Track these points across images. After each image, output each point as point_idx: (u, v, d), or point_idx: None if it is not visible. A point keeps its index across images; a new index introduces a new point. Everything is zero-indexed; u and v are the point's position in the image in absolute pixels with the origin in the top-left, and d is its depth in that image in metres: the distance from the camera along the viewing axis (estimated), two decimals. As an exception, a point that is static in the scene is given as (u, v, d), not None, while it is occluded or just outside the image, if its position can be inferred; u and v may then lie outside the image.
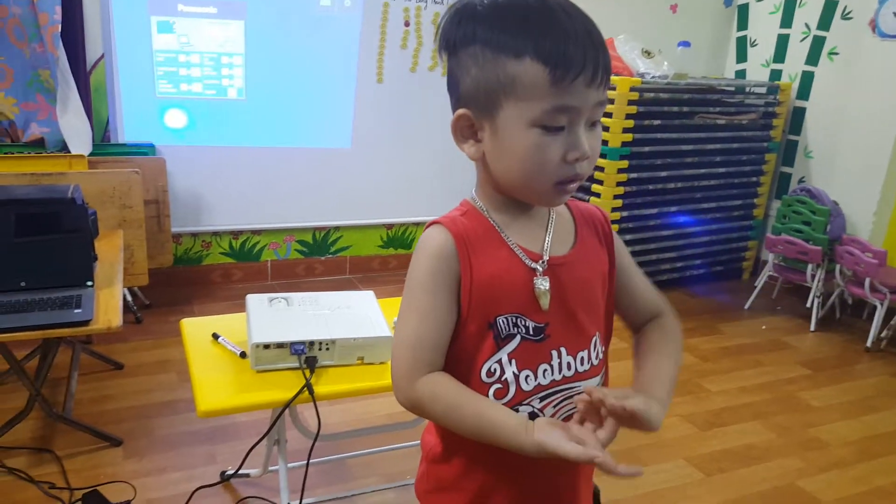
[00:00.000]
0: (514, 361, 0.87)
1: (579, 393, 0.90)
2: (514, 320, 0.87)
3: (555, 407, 0.90)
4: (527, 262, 0.88)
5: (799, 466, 2.34)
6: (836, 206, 3.68)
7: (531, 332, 0.88)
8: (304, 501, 1.81)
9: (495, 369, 0.87)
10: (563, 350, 0.89)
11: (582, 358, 0.91)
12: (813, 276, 3.51)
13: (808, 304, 3.59)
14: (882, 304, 3.28)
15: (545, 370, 0.89)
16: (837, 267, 3.46)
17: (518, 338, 0.87)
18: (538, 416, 0.89)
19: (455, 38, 0.84)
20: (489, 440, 0.83)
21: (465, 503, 0.94)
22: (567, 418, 0.89)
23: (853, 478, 2.30)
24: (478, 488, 0.93)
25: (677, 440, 2.45)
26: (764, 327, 3.56)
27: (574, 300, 0.90)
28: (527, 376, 0.88)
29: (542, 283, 0.88)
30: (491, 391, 0.88)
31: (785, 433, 2.55)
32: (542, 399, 0.89)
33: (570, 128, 0.81)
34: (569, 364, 0.90)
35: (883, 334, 3.33)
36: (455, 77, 0.86)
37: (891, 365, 3.20)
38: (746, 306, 3.78)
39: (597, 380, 0.94)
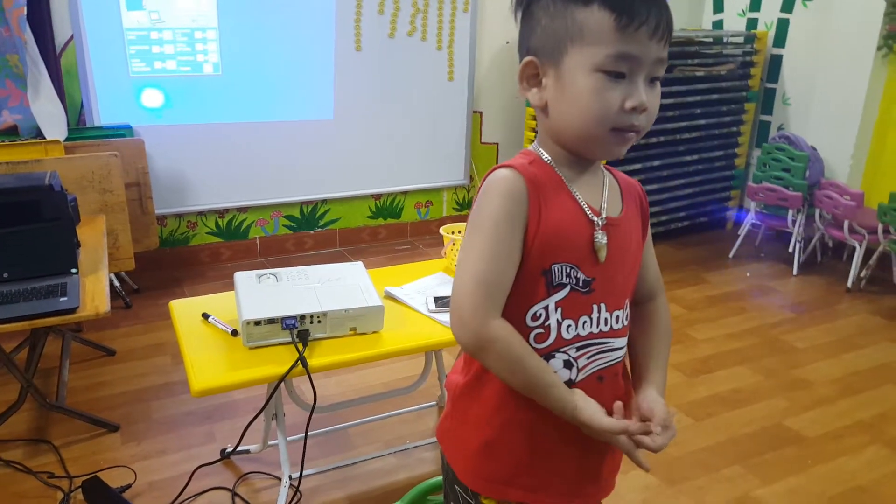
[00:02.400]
0: (559, 310, 0.92)
1: (613, 348, 0.97)
2: (567, 270, 0.91)
3: (589, 358, 0.94)
4: (590, 215, 0.92)
5: (785, 406, 2.41)
6: (814, 151, 3.71)
7: (580, 284, 0.92)
8: (304, 472, 1.84)
9: (541, 314, 0.91)
10: (603, 306, 0.94)
11: (617, 316, 0.96)
12: (794, 222, 3.56)
13: (791, 250, 3.65)
14: (861, 245, 3.34)
15: (585, 322, 0.93)
16: (817, 211, 3.51)
17: (568, 287, 0.91)
18: (573, 364, 0.93)
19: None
20: (539, 395, 0.90)
21: (490, 437, 0.97)
22: (597, 371, 0.95)
23: (836, 413, 2.37)
24: (503, 423, 0.96)
25: (666, 389, 2.50)
26: (748, 274, 3.62)
27: (619, 261, 0.95)
28: (568, 325, 0.92)
29: (602, 238, 0.92)
30: (532, 335, 0.92)
31: (771, 375, 2.62)
32: (578, 349, 0.93)
33: (631, 77, 0.85)
34: (605, 320, 0.95)
35: (862, 274, 3.40)
36: (526, 31, 0.91)
37: (871, 303, 3.27)
38: (731, 255, 3.84)
39: (625, 340, 0.99)
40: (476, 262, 0.88)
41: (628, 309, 1.00)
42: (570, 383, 0.93)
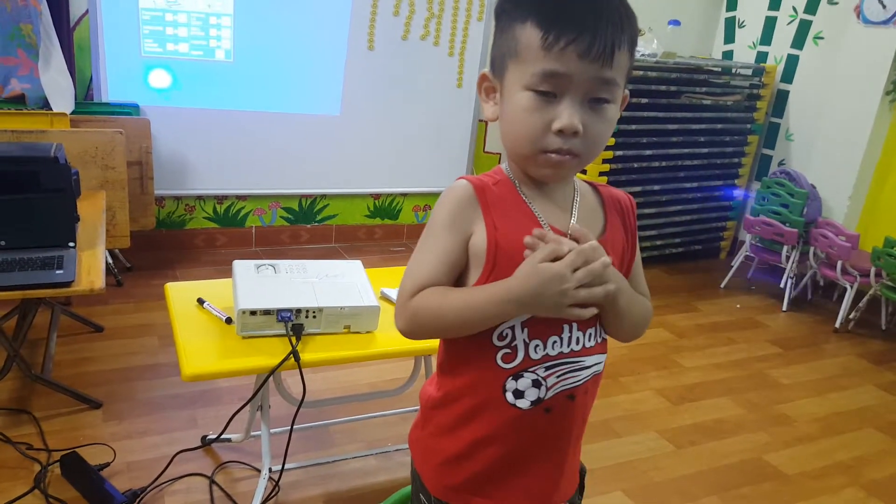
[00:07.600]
0: (526, 330, 0.90)
1: (584, 367, 0.94)
2: None
3: (558, 377, 0.93)
4: None
5: (766, 441, 2.42)
6: (813, 189, 3.75)
7: None
8: (286, 467, 1.84)
9: (507, 334, 0.90)
10: (574, 325, 0.92)
11: (590, 334, 0.94)
12: (787, 258, 3.59)
13: (782, 285, 3.68)
14: (852, 287, 3.36)
15: (555, 342, 0.91)
16: (811, 249, 3.54)
17: None
18: (542, 384, 0.92)
19: (497, 13, 0.91)
20: (479, 313, 0.87)
21: (458, 450, 0.98)
22: (568, 390, 0.93)
23: (816, 452, 2.39)
24: (472, 438, 0.96)
25: (650, 413, 2.52)
26: (738, 306, 3.64)
27: None
28: (536, 346, 0.91)
29: None
30: (499, 354, 0.91)
31: (754, 409, 2.63)
32: (547, 368, 0.92)
33: (562, 98, 0.83)
34: (577, 339, 0.93)
35: (851, 316, 3.43)
36: (493, 43, 0.93)
37: (857, 345, 3.30)
38: (722, 285, 3.86)
39: (602, 357, 0.97)
40: (416, 262, 0.92)
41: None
42: (539, 401, 0.92)
